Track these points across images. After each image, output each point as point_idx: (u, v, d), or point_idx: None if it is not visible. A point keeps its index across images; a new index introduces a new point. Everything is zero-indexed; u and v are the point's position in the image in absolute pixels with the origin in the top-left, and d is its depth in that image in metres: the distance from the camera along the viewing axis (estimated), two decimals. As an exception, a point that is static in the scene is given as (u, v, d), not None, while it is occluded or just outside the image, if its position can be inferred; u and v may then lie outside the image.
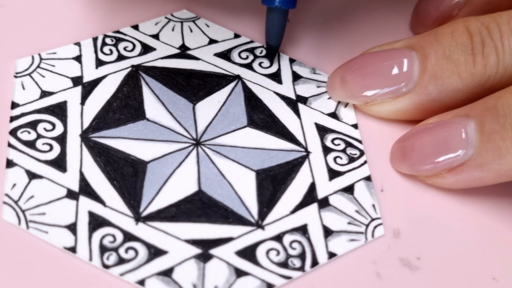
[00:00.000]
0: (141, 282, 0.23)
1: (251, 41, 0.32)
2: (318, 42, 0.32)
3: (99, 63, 0.29)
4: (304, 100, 0.30)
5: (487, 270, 0.26)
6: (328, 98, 0.30)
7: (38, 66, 0.29)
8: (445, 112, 0.27)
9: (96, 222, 0.25)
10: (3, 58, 0.29)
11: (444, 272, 0.26)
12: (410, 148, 0.27)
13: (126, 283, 0.24)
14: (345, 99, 0.29)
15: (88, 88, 0.28)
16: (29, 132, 0.26)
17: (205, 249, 0.24)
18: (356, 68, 0.28)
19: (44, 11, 0.31)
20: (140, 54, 0.30)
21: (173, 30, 0.31)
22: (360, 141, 0.29)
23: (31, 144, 0.26)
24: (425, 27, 0.32)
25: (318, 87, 0.30)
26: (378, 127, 0.30)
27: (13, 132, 0.26)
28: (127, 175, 0.26)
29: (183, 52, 0.30)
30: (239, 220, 0.25)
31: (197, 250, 0.24)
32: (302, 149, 0.28)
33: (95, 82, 0.28)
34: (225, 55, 0.31)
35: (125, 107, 0.28)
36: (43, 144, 0.26)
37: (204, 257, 0.24)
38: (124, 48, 0.30)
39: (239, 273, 0.24)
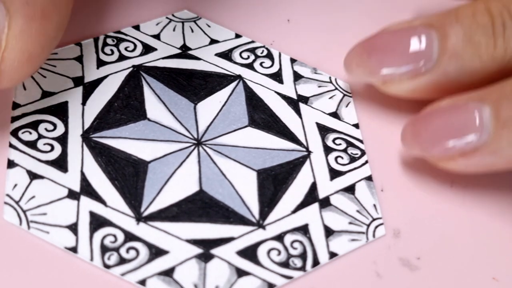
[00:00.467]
0: (142, 282, 0.23)
1: (252, 41, 0.32)
2: (319, 42, 0.32)
3: (100, 63, 0.29)
4: (305, 99, 0.30)
5: (487, 270, 0.26)
6: (330, 98, 0.30)
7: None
8: (461, 92, 0.27)
9: (97, 222, 0.25)
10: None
11: (444, 272, 0.26)
12: (423, 130, 0.26)
13: (127, 283, 0.24)
14: (363, 77, 0.29)
15: (89, 88, 0.28)
16: (30, 133, 0.27)
17: (206, 249, 0.25)
18: (374, 46, 0.28)
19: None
20: (141, 54, 0.30)
21: (174, 30, 0.31)
22: (361, 141, 0.29)
23: (32, 145, 0.26)
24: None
25: (319, 86, 0.31)
26: (379, 126, 0.30)
27: (14, 133, 0.26)
28: (128, 175, 0.26)
29: (184, 52, 0.31)
30: (240, 220, 0.25)
31: (198, 250, 0.24)
32: (303, 149, 0.28)
33: (96, 82, 0.29)
34: (226, 55, 0.31)
35: (126, 107, 0.28)
36: (44, 144, 0.26)
37: (205, 257, 0.24)
38: (125, 48, 0.30)
39: (240, 273, 0.24)
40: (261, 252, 0.25)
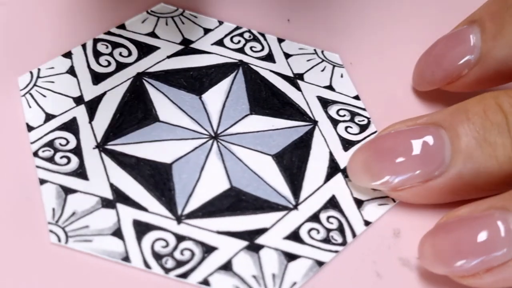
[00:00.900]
0: (205, 282, 0.24)
1: (238, 27, 0.32)
2: (319, 42, 0.33)
3: (97, 77, 0.29)
4: (300, 76, 0.31)
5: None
6: (322, 71, 0.31)
7: (35, 85, 0.28)
8: (480, 195, 0.25)
9: (141, 228, 0.25)
10: None
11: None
12: (442, 246, 0.24)
13: (187, 284, 0.24)
14: (369, 185, 0.26)
15: (92, 105, 0.28)
16: (49, 150, 0.26)
17: (251, 240, 0.25)
18: (379, 150, 0.26)
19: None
20: (140, 57, 0.30)
21: (166, 24, 0.31)
22: (364, 109, 0.30)
23: (51, 160, 0.26)
24: (431, 86, 0.29)
25: (307, 60, 0.31)
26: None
27: (35, 154, 0.27)
28: (156, 178, 0.26)
29: (187, 47, 0.31)
30: (276, 207, 0.26)
31: (244, 243, 0.25)
32: (310, 122, 0.29)
33: (98, 99, 0.28)
34: (221, 42, 0.31)
35: (135, 113, 0.28)
36: (61, 157, 0.26)
37: (254, 248, 0.25)
38: (120, 54, 0.30)
39: (290, 257, 0.25)
40: (303, 233, 0.26)
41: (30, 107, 0.28)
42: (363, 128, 0.29)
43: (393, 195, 0.26)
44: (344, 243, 0.26)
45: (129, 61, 0.30)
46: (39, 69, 0.29)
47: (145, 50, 0.30)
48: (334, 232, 0.26)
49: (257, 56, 0.31)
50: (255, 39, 0.32)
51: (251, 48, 0.31)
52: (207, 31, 0.31)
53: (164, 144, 0.27)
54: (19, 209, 0.25)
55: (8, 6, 0.31)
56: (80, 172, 0.26)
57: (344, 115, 0.29)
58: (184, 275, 0.24)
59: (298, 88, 0.30)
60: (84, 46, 0.30)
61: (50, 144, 0.27)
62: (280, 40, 0.32)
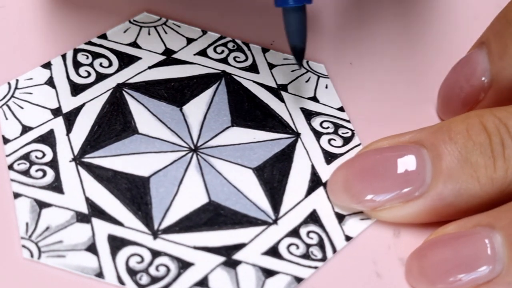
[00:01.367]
0: None
1: (222, 37, 0.32)
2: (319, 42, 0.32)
3: (76, 88, 0.29)
4: (284, 87, 0.30)
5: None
6: (306, 82, 0.30)
7: (13, 96, 0.28)
8: (461, 216, 0.25)
9: (116, 243, 0.25)
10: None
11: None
12: (428, 264, 0.24)
13: (162, 302, 0.24)
14: (349, 204, 0.26)
15: (70, 117, 0.28)
16: (24, 163, 0.26)
17: (229, 255, 0.25)
18: (359, 170, 0.26)
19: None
20: (120, 68, 0.29)
21: (149, 34, 0.31)
22: (348, 121, 0.29)
23: (26, 173, 0.26)
24: (455, 114, 0.27)
25: (292, 71, 0.31)
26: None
27: (10, 166, 0.26)
28: (132, 192, 0.26)
29: (169, 57, 0.30)
30: (255, 221, 0.26)
31: (221, 258, 0.25)
32: (292, 134, 0.28)
33: (77, 110, 0.28)
34: (204, 52, 0.31)
35: (113, 126, 0.28)
36: (37, 170, 0.26)
37: (231, 264, 0.25)
38: (100, 64, 0.29)
39: (268, 273, 0.25)
40: (282, 248, 0.25)
41: (6, 119, 0.27)
42: (346, 140, 0.29)
43: (373, 215, 0.26)
44: (324, 258, 0.25)
45: (109, 72, 0.29)
46: (17, 80, 0.28)
47: (126, 60, 0.30)
48: (314, 248, 0.25)
49: (241, 67, 0.30)
50: (239, 49, 0.31)
51: (234, 58, 0.31)
52: (190, 40, 0.31)
53: (142, 157, 0.27)
54: (-8, 223, 0.25)
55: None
56: (56, 186, 0.26)
57: (328, 127, 0.29)
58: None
59: (282, 100, 0.29)
60: (64, 57, 0.30)
61: (26, 157, 0.26)
62: (265, 50, 0.31)
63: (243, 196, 0.26)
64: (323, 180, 0.27)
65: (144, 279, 0.24)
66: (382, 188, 0.25)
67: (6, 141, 0.27)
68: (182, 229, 0.25)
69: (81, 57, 0.30)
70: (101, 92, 0.28)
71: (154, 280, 0.24)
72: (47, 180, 0.26)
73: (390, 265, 0.25)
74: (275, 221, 0.26)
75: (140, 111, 0.28)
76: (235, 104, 0.29)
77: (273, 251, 0.25)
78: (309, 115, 0.29)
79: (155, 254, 0.24)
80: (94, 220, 0.25)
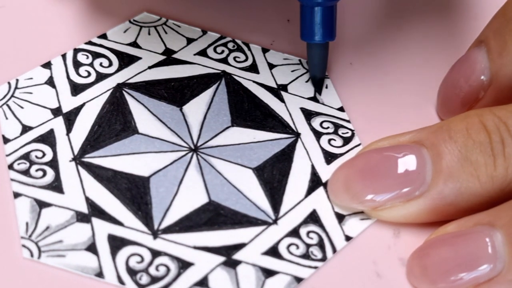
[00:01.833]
0: None
1: (222, 37, 0.32)
2: None
3: (76, 87, 0.29)
4: (284, 87, 0.30)
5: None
6: (306, 82, 0.30)
7: (13, 96, 0.28)
8: (462, 215, 0.25)
9: (116, 243, 0.25)
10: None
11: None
12: (429, 263, 0.24)
13: (162, 301, 0.24)
14: (350, 204, 0.26)
15: (70, 116, 0.28)
16: (24, 163, 0.26)
17: (229, 255, 0.25)
18: (360, 169, 0.26)
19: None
20: (120, 68, 0.29)
21: (149, 34, 0.31)
22: (348, 121, 0.29)
23: (26, 172, 0.26)
24: (454, 113, 0.27)
25: (292, 71, 0.31)
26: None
27: (10, 166, 0.26)
28: (132, 192, 0.26)
29: (169, 57, 0.30)
30: (255, 221, 0.26)
31: (221, 258, 0.25)
32: (292, 134, 0.28)
33: (77, 110, 0.28)
34: (204, 52, 0.31)
35: (113, 125, 0.28)
36: (37, 170, 0.26)
37: (231, 264, 0.25)
38: (101, 64, 0.29)
39: (268, 273, 0.25)
40: (282, 248, 0.25)
41: (7, 118, 0.27)
42: (346, 140, 0.29)
43: (373, 215, 0.26)
44: (324, 258, 0.25)
45: (109, 72, 0.29)
46: (17, 80, 0.28)
47: (126, 60, 0.30)
48: (314, 248, 0.25)
49: (241, 67, 0.30)
50: (239, 49, 0.31)
51: (234, 58, 0.31)
52: (190, 40, 0.31)
53: (142, 156, 0.27)
54: (-9, 223, 0.25)
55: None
56: (56, 185, 0.26)
57: (328, 127, 0.29)
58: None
59: (282, 100, 0.29)
60: (64, 56, 0.30)
61: (26, 156, 0.26)
62: (265, 50, 0.31)
63: (243, 196, 0.26)
64: (323, 180, 0.27)
65: (144, 279, 0.24)
66: (383, 187, 0.25)
67: (6, 140, 0.27)
68: (182, 229, 0.25)
69: (81, 57, 0.30)
70: (101, 92, 0.28)
71: (154, 280, 0.24)
72: (47, 180, 0.26)
73: (390, 265, 0.25)
74: (275, 221, 0.26)
75: (140, 111, 0.28)
76: (235, 104, 0.29)
77: (273, 251, 0.25)
78: (309, 115, 0.29)
79: (155, 254, 0.24)
80: (94, 220, 0.25)
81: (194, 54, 0.30)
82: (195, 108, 0.28)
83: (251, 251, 0.25)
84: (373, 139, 0.27)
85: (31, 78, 0.29)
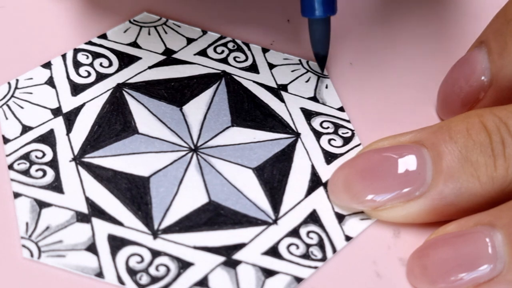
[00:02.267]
0: None
1: (222, 37, 0.32)
2: None
3: (76, 87, 0.29)
4: (284, 87, 0.30)
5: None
6: (306, 82, 0.30)
7: (13, 96, 0.28)
8: (462, 215, 0.25)
9: (116, 243, 0.25)
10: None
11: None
12: (429, 263, 0.24)
13: (162, 301, 0.24)
14: (350, 204, 0.26)
15: (70, 116, 0.28)
16: (24, 163, 0.26)
17: (229, 255, 0.25)
18: (360, 169, 0.26)
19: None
20: (120, 68, 0.29)
21: (149, 34, 0.31)
22: (349, 121, 0.29)
23: (26, 172, 0.26)
24: (454, 114, 0.27)
25: (292, 71, 0.31)
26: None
27: (10, 166, 0.26)
28: (132, 192, 0.26)
29: (169, 57, 0.30)
30: (255, 221, 0.26)
31: (221, 258, 0.25)
32: (292, 134, 0.28)
33: (77, 110, 0.28)
34: (204, 52, 0.31)
35: (113, 125, 0.28)
36: (37, 170, 0.26)
37: (231, 264, 0.25)
38: (101, 64, 0.29)
39: (268, 272, 0.25)
40: (282, 248, 0.25)
41: (7, 118, 0.27)
42: (346, 140, 0.29)
43: (373, 215, 0.26)
44: (324, 258, 0.25)
45: (109, 72, 0.29)
46: (17, 80, 0.28)
47: (126, 60, 0.30)
48: (314, 248, 0.25)
49: (241, 67, 0.30)
50: (239, 49, 0.31)
51: (234, 58, 0.31)
52: (190, 40, 0.31)
53: (142, 157, 0.27)
54: (-9, 223, 0.25)
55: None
56: (56, 186, 0.26)
57: (328, 127, 0.29)
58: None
59: (282, 100, 0.29)
60: (64, 57, 0.30)
61: (26, 156, 0.26)
62: (265, 50, 0.31)
63: (243, 196, 0.26)
64: (323, 180, 0.27)
65: (144, 279, 0.24)
66: (383, 188, 0.25)
67: (6, 140, 0.27)
68: (182, 229, 0.25)
69: (81, 57, 0.30)
70: (101, 92, 0.28)
71: (154, 280, 0.24)
72: (47, 180, 0.26)
73: (390, 265, 0.25)
74: (275, 221, 0.26)
75: (140, 111, 0.28)
76: (235, 104, 0.29)
77: (273, 251, 0.25)
78: (309, 115, 0.29)
79: (155, 254, 0.24)
80: (94, 220, 0.25)
81: (194, 54, 0.30)
82: (195, 108, 0.28)
83: (251, 251, 0.25)
84: (373, 139, 0.27)
85: (31, 78, 0.29)
